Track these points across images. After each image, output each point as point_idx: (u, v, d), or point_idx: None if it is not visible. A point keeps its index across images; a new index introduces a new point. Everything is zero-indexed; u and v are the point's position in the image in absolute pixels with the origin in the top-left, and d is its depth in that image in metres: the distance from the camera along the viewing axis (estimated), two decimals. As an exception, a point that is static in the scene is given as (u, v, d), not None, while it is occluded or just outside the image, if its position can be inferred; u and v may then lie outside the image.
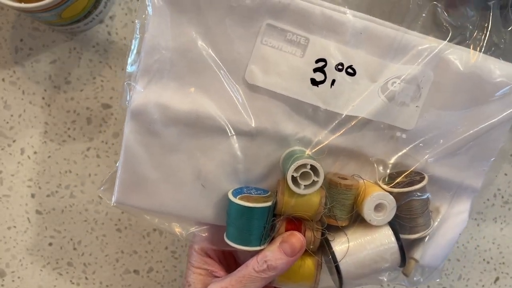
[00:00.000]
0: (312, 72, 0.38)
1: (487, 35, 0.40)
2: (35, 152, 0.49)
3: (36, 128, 0.49)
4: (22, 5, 0.40)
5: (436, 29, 0.40)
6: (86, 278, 0.51)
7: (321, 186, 0.37)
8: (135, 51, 0.38)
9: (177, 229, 0.41)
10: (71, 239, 0.51)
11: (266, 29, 0.37)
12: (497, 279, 0.54)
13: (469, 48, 0.39)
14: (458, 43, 0.39)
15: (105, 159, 0.49)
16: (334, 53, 0.37)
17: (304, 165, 0.36)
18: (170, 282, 0.52)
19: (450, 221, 0.41)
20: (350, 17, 0.37)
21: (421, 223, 0.39)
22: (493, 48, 0.40)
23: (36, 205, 0.50)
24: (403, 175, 0.39)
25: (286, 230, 0.38)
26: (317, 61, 0.38)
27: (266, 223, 0.37)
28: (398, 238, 0.38)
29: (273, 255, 0.36)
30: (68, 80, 0.49)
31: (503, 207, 0.53)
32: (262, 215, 0.36)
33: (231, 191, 0.38)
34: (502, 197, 0.53)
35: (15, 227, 0.50)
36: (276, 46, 0.37)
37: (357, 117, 0.38)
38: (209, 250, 0.41)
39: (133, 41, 0.38)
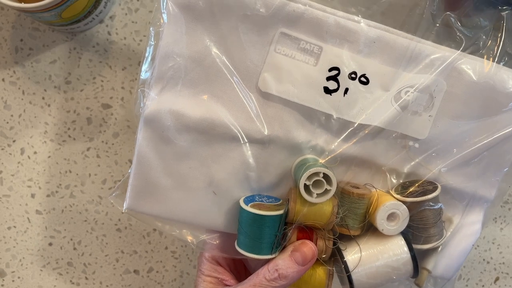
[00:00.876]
0: (325, 80, 0.38)
1: (500, 45, 0.40)
2: (35, 152, 0.49)
3: (36, 128, 0.49)
4: (22, 5, 0.40)
5: (450, 39, 0.40)
6: (86, 278, 0.51)
7: (333, 195, 0.37)
8: (149, 58, 0.38)
9: (188, 237, 0.41)
10: (71, 239, 0.51)
11: (280, 37, 0.37)
12: (497, 279, 0.54)
13: (483, 57, 0.39)
14: (472, 53, 0.39)
15: (105, 159, 0.49)
16: (347, 62, 0.37)
17: (316, 173, 0.36)
18: (170, 282, 0.52)
19: (463, 232, 0.41)
20: (363, 26, 0.37)
21: (434, 233, 0.39)
22: (506, 58, 0.40)
23: (36, 205, 0.50)
24: (416, 185, 0.39)
25: (298, 239, 0.37)
26: (330, 70, 0.38)
27: (278, 232, 0.36)
28: (411, 248, 0.38)
29: (284, 264, 0.36)
30: (68, 80, 0.49)
31: (503, 207, 0.53)
32: (274, 223, 0.36)
33: (242, 198, 0.38)
34: (511, 184, 0.52)
35: (15, 227, 0.50)
36: (290, 55, 0.37)
37: (370, 126, 0.38)
38: (220, 258, 0.41)
39: (148, 48, 0.38)
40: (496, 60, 0.39)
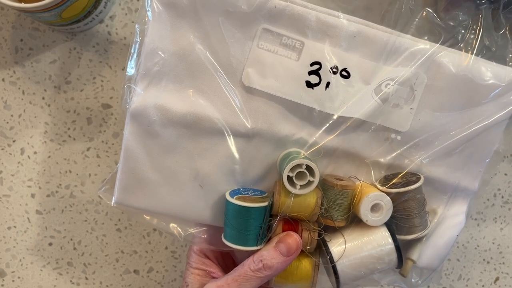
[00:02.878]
0: (307, 75, 0.38)
1: (479, 38, 0.41)
2: (35, 152, 0.49)
3: (36, 128, 0.49)
4: (22, 5, 0.40)
5: (429, 33, 0.41)
6: (86, 278, 0.51)
7: (317, 187, 0.37)
8: (135, 55, 0.39)
9: (176, 230, 0.41)
10: (71, 239, 0.51)
11: (262, 33, 0.38)
12: (497, 279, 0.54)
13: (461, 51, 0.39)
14: (450, 46, 0.40)
15: (105, 159, 0.49)
16: (329, 56, 0.38)
17: (299, 165, 0.36)
18: (170, 282, 0.52)
19: (447, 223, 0.42)
20: (344, 21, 0.38)
21: (417, 224, 0.39)
22: (484, 51, 0.41)
23: (36, 205, 0.50)
24: (399, 176, 0.40)
25: (283, 231, 0.38)
26: (312, 64, 0.38)
27: (263, 223, 0.37)
28: (394, 239, 0.38)
29: (268, 255, 0.36)
30: (68, 80, 0.49)
31: (503, 207, 0.53)
32: (259, 215, 0.37)
33: (228, 191, 0.39)
34: (502, 197, 0.53)
35: (15, 227, 0.50)
36: (272, 50, 0.38)
37: (352, 118, 0.39)
38: (208, 252, 0.41)
39: (133, 45, 0.39)
40: (474, 53, 0.40)
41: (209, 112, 0.38)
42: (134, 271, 0.52)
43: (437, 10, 0.41)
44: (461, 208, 0.42)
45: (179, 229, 0.41)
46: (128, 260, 0.51)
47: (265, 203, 0.37)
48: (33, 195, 0.50)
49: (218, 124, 0.38)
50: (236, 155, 0.39)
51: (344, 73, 0.39)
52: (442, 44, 0.39)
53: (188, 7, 0.37)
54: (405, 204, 0.39)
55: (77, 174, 0.50)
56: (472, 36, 0.41)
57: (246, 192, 0.39)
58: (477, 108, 0.40)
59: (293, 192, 0.37)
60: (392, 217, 0.38)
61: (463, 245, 0.53)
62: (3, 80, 0.49)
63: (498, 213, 0.53)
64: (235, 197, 0.37)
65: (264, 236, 0.38)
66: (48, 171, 0.49)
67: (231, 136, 0.39)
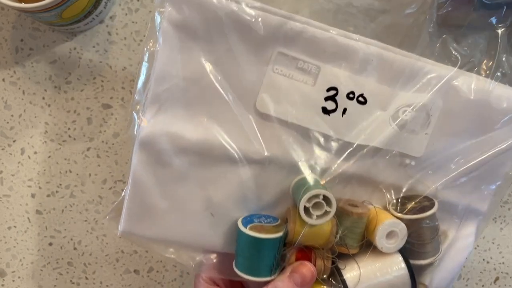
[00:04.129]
0: (324, 100, 0.37)
1: (495, 62, 0.41)
2: (35, 152, 0.49)
3: (36, 128, 0.49)
4: (22, 5, 0.40)
5: (446, 57, 0.41)
6: (86, 278, 0.51)
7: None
8: (143, 79, 0.37)
9: (185, 258, 0.40)
10: (71, 239, 0.51)
11: (278, 57, 0.37)
12: (497, 279, 0.54)
13: (478, 75, 0.39)
14: (468, 70, 0.39)
15: (105, 159, 0.49)
16: (345, 82, 0.37)
17: (316, 196, 0.35)
18: (170, 282, 0.52)
19: (457, 245, 0.41)
20: (361, 44, 0.37)
21: (430, 249, 0.39)
22: (499, 75, 0.41)
23: (36, 205, 0.50)
24: (413, 201, 0.39)
25: (297, 259, 0.37)
26: (328, 90, 0.37)
27: (277, 253, 0.36)
28: (408, 265, 0.38)
29: (283, 286, 0.36)
30: (68, 80, 0.49)
31: (503, 207, 0.53)
32: (273, 245, 0.36)
33: (240, 219, 0.37)
34: (502, 196, 0.53)
35: (15, 227, 0.50)
36: (287, 75, 0.37)
37: (368, 146, 0.38)
38: (217, 278, 0.40)
39: (142, 68, 0.37)
40: (490, 77, 0.40)
41: (222, 139, 0.37)
42: (134, 271, 0.52)
43: (455, 35, 0.42)
44: (471, 230, 0.41)
45: (188, 258, 0.40)
46: (128, 260, 0.51)
47: (280, 234, 0.36)
48: (33, 195, 0.50)
49: (231, 152, 0.37)
50: (250, 183, 0.38)
51: (360, 98, 0.37)
52: (460, 68, 0.39)
53: (201, 29, 0.35)
54: (419, 230, 0.38)
55: (77, 174, 0.50)
56: (488, 61, 0.41)
57: (258, 220, 0.37)
58: (492, 133, 0.39)
59: (310, 223, 0.36)
60: (406, 242, 0.38)
61: (463, 245, 0.53)
62: (3, 80, 0.49)
63: (498, 213, 0.53)
64: (248, 226, 0.36)
65: (278, 265, 0.37)
66: (48, 171, 0.49)
67: (245, 164, 0.37)
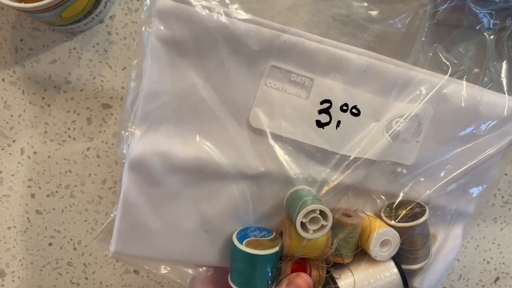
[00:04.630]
0: (317, 113, 0.37)
1: (483, 69, 0.41)
2: (35, 152, 0.49)
3: (36, 128, 0.49)
4: (22, 5, 0.40)
5: (437, 66, 0.41)
6: (86, 278, 0.51)
7: None
8: (132, 97, 0.36)
9: (179, 275, 0.40)
10: (71, 239, 0.51)
11: (270, 70, 0.36)
12: (497, 279, 0.54)
13: (468, 82, 0.40)
14: (458, 78, 0.40)
15: (105, 159, 0.49)
16: (339, 94, 0.37)
17: (313, 211, 0.35)
18: (170, 282, 0.52)
19: (446, 247, 0.42)
20: (354, 55, 0.36)
21: (421, 255, 0.40)
22: (487, 81, 0.42)
23: (36, 205, 0.50)
24: (405, 208, 0.39)
25: (292, 271, 0.37)
26: (322, 102, 0.37)
27: (274, 267, 0.36)
28: (401, 270, 0.38)
29: None
30: (68, 80, 0.49)
31: (503, 207, 0.53)
32: (270, 260, 0.36)
33: (235, 234, 0.37)
34: (502, 197, 0.53)
35: (15, 227, 0.50)
36: (281, 88, 0.36)
37: (362, 158, 0.38)
38: None
39: (131, 85, 0.36)
40: (479, 84, 0.40)
41: (215, 156, 0.36)
42: (134, 271, 0.52)
43: (445, 44, 0.42)
44: (458, 232, 0.43)
45: (182, 274, 0.40)
46: (128, 260, 0.51)
47: (276, 249, 0.35)
48: (33, 195, 0.50)
49: (225, 168, 0.36)
50: (244, 198, 0.37)
51: (354, 110, 0.37)
52: (451, 76, 0.39)
53: (191, 44, 0.34)
54: (411, 237, 0.39)
55: (77, 174, 0.50)
56: (477, 68, 0.42)
57: (253, 234, 0.37)
58: (480, 139, 0.40)
59: (307, 237, 0.35)
60: (398, 248, 0.39)
61: (463, 245, 0.53)
62: (3, 80, 0.49)
63: (498, 213, 0.53)
64: (244, 242, 0.36)
65: (274, 279, 0.37)
66: (48, 171, 0.49)
67: (238, 179, 0.37)
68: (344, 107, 0.37)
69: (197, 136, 0.36)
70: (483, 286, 0.54)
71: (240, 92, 0.36)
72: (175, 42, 0.34)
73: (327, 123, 0.37)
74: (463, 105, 0.39)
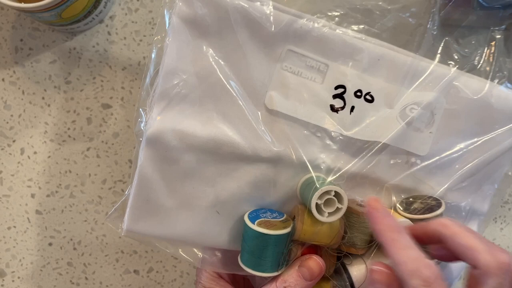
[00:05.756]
0: (332, 98, 0.38)
1: (494, 64, 0.42)
2: (35, 152, 0.49)
3: (36, 128, 0.49)
4: (22, 5, 0.40)
5: (448, 58, 0.42)
6: (86, 278, 0.51)
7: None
8: (151, 74, 0.37)
9: (192, 255, 0.40)
10: (71, 239, 0.51)
11: (287, 54, 0.37)
12: (497, 279, 0.54)
13: (479, 76, 0.40)
14: (469, 71, 0.40)
15: (105, 159, 0.49)
16: (353, 80, 0.38)
17: (328, 192, 0.35)
18: (170, 282, 0.52)
19: None
20: (368, 44, 0.37)
21: None
22: (498, 75, 0.42)
23: (36, 205, 0.50)
24: (419, 200, 0.39)
25: (303, 254, 0.37)
26: (336, 88, 0.38)
27: (284, 249, 0.36)
28: None
29: (292, 280, 0.35)
30: (68, 80, 0.49)
31: (503, 207, 0.53)
32: (281, 241, 0.36)
33: (247, 214, 0.37)
34: (502, 197, 0.53)
35: (15, 227, 0.50)
36: (296, 72, 0.37)
37: (376, 143, 0.38)
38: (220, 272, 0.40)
39: (151, 64, 0.37)
40: (490, 78, 0.40)
41: (230, 136, 0.37)
42: (134, 271, 0.52)
43: (456, 37, 0.43)
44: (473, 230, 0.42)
45: (193, 254, 0.40)
46: (128, 260, 0.51)
47: (288, 229, 0.35)
48: (33, 195, 0.50)
49: (240, 149, 0.37)
50: (258, 180, 0.38)
51: (368, 97, 0.38)
52: (460, 69, 0.40)
53: (211, 25, 0.35)
54: None
55: (77, 174, 0.50)
56: (488, 62, 0.42)
57: (264, 215, 0.37)
58: (493, 133, 0.40)
59: (321, 220, 0.35)
60: None
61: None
62: (3, 80, 0.49)
63: (498, 213, 0.53)
64: (256, 222, 0.36)
65: (285, 261, 0.37)
66: (48, 171, 0.49)
67: (253, 161, 0.37)
68: (358, 93, 0.38)
69: (215, 115, 0.37)
70: (483, 286, 0.54)
71: (257, 74, 0.37)
72: (196, 22, 0.35)
73: (342, 108, 0.38)
74: (475, 97, 0.39)
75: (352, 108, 0.38)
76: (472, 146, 0.40)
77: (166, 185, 0.37)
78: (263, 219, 0.36)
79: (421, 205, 0.39)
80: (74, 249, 0.51)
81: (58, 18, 0.43)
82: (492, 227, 0.53)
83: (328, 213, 0.35)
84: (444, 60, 0.41)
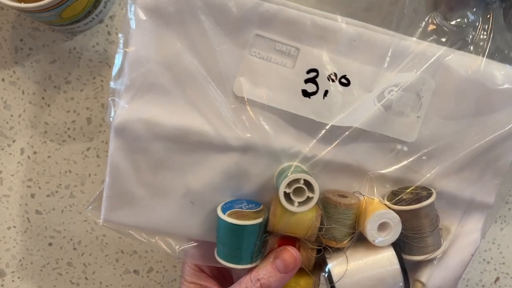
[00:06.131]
0: (304, 83, 0.36)
1: (490, 39, 0.38)
2: (35, 152, 0.49)
3: (36, 128, 0.49)
4: (22, 5, 0.40)
5: (435, 34, 0.39)
6: (86, 278, 0.51)
7: (317, 204, 0.35)
8: (118, 66, 0.37)
9: (169, 247, 0.40)
10: (71, 239, 0.51)
11: (254, 39, 0.36)
12: (497, 279, 0.54)
13: (472, 53, 0.37)
14: (460, 49, 0.37)
15: (105, 159, 0.49)
16: (327, 63, 0.36)
17: (297, 180, 0.34)
18: (170, 282, 0.52)
19: (460, 241, 0.39)
20: (342, 24, 0.36)
21: (430, 243, 0.37)
22: (496, 54, 0.38)
23: (36, 205, 0.50)
24: (410, 192, 0.37)
25: (279, 246, 0.36)
26: (308, 72, 0.36)
27: (258, 240, 0.35)
28: (400, 260, 0.36)
29: (266, 273, 0.35)
30: (68, 80, 0.49)
31: (503, 207, 0.53)
32: (253, 232, 0.35)
33: (220, 206, 0.36)
34: (510, 189, 0.52)
35: (15, 227, 0.50)
36: (265, 57, 0.36)
37: (352, 128, 0.36)
38: (203, 265, 0.40)
39: (117, 55, 0.37)
40: (486, 56, 0.37)
41: (199, 125, 0.36)
42: (134, 271, 0.52)
43: (443, 11, 0.39)
44: (477, 225, 0.39)
45: (173, 246, 0.40)
46: (128, 260, 0.51)
47: (259, 220, 0.34)
48: (33, 195, 0.50)
49: (209, 138, 0.36)
50: (229, 170, 0.37)
51: (343, 80, 0.36)
52: (450, 46, 0.37)
53: (174, 14, 0.35)
54: (417, 222, 0.36)
55: (77, 174, 0.50)
56: (482, 38, 0.38)
57: (239, 206, 0.36)
58: (491, 116, 0.37)
59: (291, 209, 0.34)
60: (403, 236, 0.36)
61: (463, 245, 0.53)
62: (3, 80, 0.49)
63: (498, 213, 0.53)
64: (227, 213, 0.35)
65: (259, 252, 0.36)
66: (48, 171, 0.49)
67: (224, 150, 0.36)
68: (332, 77, 0.36)
69: (182, 104, 0.36)
70: (483, 286, 0.54)
71: (224, 61, 0.36)
72: (159, 11, 0.35)
73: (314, 93, 0.36)
74: (468, 77, 0.36)
75: (326, 92, 0.36)
76: (467, 130, 0.37)
77: (138, 174, 0.37)
78: (235, 209, 0.36)
79: (410, 195, 0.37)
80: (74, 249, 0.51)
81: (58, 18, 0.43)
82: (492, 227, 0.53)
83: (299, 202, 0.34)
84: (429, 37, 0.38)
